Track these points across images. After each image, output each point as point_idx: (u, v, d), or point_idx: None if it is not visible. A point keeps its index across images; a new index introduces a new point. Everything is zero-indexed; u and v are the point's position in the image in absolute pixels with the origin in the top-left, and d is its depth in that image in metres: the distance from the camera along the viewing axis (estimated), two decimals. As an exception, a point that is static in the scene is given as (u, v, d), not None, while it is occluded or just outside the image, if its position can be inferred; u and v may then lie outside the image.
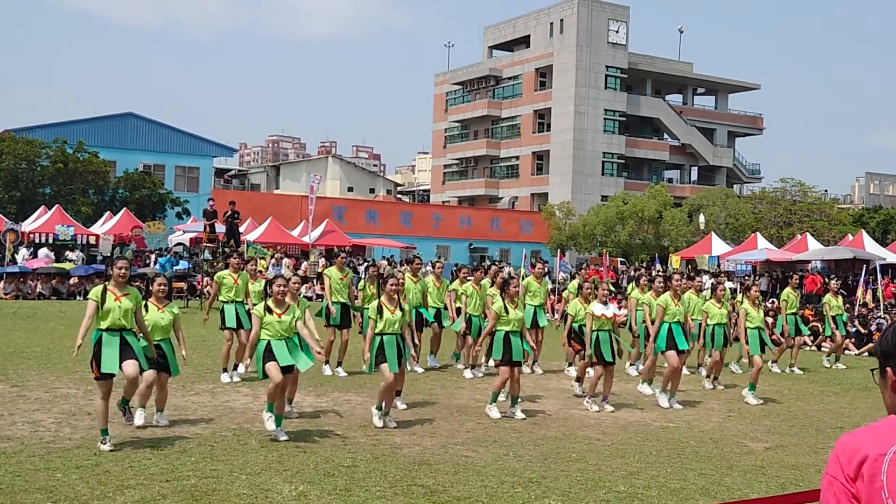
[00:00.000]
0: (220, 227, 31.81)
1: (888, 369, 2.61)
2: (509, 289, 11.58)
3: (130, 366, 9.02)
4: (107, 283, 9.24)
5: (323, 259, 15.59)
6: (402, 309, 10.92)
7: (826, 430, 11.65)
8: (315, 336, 10.37)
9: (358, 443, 9.52)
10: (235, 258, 14.71)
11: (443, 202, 77.66)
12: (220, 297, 14.02)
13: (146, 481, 7.58)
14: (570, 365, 15.80)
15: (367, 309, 11.09)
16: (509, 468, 8.62)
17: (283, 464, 8.39)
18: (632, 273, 44.60)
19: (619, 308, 13.30)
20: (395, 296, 10.87)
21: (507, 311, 11.37)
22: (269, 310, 9.76)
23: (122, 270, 9.24)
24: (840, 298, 19.80)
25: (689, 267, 43.90)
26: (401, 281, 11.67)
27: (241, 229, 35.20)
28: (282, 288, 9.90)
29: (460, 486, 7.86)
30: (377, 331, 10.60)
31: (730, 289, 20.90)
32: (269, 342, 9.65)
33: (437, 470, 8.41)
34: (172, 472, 7.93)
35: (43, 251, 33.00)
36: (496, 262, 34.57)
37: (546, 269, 16.82)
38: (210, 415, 10.67)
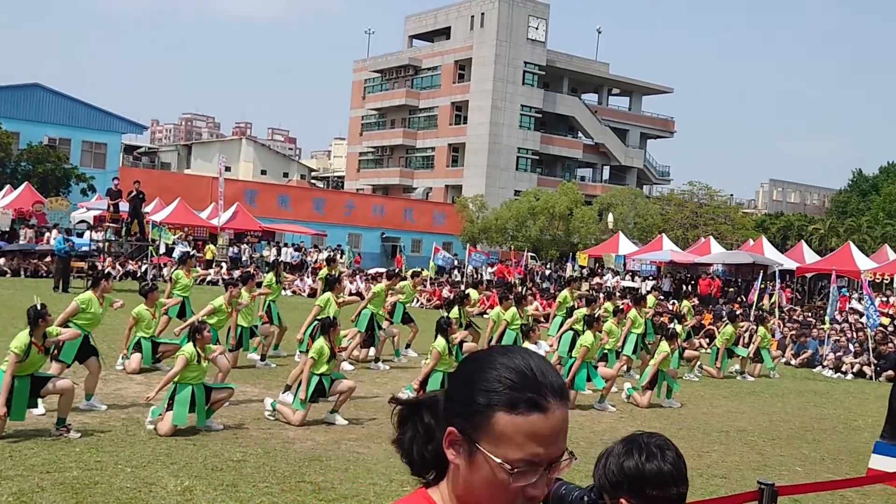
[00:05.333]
0: (125, 206, 31.04)
1: (622, 500, 2.50)
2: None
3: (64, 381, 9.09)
4: (32, 334, 8.71)
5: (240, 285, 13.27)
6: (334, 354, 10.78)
7: (712, 433, 12.00)
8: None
9: (250, 436, 9.44)
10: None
11: (357, 190, 77.22)
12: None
13: (26, 472, 7.39)
14: None
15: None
16: (400, 466, 8.56)
17: (170, 457, 8.27)
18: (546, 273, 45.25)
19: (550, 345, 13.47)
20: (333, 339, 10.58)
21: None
22: (198, 357, 9.54)
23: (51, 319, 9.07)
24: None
25: (596, 265, 44.73)
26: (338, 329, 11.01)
27: (148, 209, 34.47)
28: (209, 334, 9.88)
29: (349, 483, 7.87)
30: (318, 372, 10.31)
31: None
32: (193, 389, 9.39)
33: (327, 466, 8.40)
34: (54, 462, 7.75)
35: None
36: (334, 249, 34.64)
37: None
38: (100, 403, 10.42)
